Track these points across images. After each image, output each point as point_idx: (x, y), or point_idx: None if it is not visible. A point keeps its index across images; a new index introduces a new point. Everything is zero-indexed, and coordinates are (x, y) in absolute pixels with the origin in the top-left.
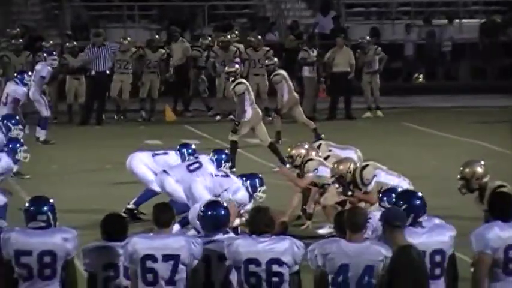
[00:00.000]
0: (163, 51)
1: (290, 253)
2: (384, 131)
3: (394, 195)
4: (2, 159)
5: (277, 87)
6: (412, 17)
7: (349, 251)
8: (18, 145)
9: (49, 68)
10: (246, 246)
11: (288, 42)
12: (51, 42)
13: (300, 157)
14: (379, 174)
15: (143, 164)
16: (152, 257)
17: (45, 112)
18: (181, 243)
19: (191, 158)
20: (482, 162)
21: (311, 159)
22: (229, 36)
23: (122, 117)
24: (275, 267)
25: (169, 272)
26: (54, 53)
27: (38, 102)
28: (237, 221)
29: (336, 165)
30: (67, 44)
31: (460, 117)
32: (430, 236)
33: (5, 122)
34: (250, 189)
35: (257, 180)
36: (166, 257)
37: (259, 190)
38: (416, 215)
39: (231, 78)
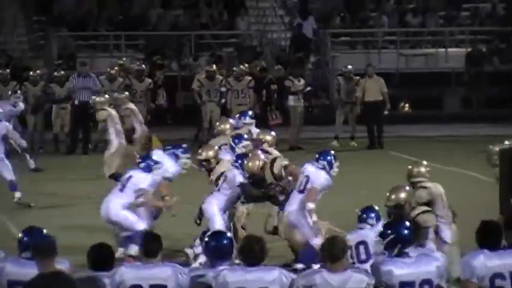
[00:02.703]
0: (150, 80)
1: (278, 283)
2: (369, 158)
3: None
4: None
5: None
6: (399, 47)
7: (333, 282)
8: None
9: (12, 107)
10: (233, 277)
11: (275, 71)
12: (38, 71)
13: (212, 160)
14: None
15: (120, 206)
16: (139, 287)
17: (23, 142)
18: (168, 273)
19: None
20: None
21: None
22: (214, 66)
23: None
24: None
25: None
26: (19, 91)
27: (13, 136)
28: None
29: (246, 163)
30: (55, 73)
31: (446, 146)
32: (418, 266)
33: None
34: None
35: (180, 149)
36: (154, 287)
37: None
38: (403, 245)
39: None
